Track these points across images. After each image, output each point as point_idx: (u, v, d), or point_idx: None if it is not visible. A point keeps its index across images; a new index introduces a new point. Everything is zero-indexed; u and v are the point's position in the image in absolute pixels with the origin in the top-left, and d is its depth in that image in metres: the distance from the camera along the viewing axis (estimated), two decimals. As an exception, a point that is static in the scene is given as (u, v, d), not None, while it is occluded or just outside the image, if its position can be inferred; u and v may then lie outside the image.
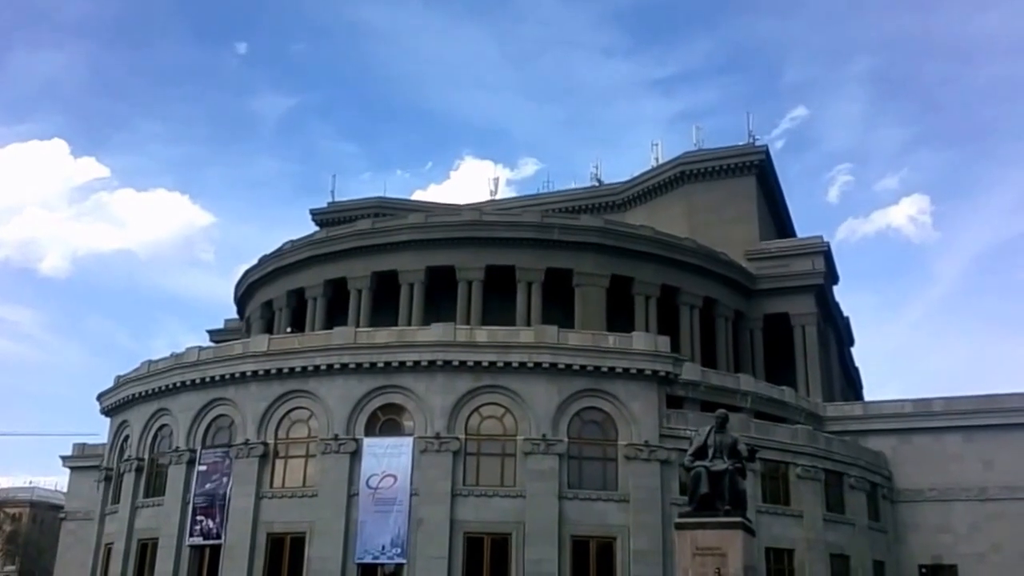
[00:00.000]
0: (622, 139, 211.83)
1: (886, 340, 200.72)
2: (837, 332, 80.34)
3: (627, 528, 46.08)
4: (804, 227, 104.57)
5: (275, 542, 47.76)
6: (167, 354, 55.88)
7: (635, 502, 46.49)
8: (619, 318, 60.99)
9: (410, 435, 47.28)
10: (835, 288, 78.35)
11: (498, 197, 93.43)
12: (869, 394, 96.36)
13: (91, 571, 56.51)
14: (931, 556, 57.98)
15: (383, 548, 45.69)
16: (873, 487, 56.82)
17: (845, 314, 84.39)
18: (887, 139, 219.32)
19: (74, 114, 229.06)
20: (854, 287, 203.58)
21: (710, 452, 29.63)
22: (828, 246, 72.77)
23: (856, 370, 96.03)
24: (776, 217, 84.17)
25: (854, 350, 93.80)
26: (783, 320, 69.91)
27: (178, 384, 52.64)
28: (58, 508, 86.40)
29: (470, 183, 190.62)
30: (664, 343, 50.66)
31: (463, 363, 47.63)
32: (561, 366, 47.70)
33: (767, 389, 60.13)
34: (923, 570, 58.08)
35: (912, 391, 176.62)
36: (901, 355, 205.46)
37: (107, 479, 58.42)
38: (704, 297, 66.81)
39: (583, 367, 47.89)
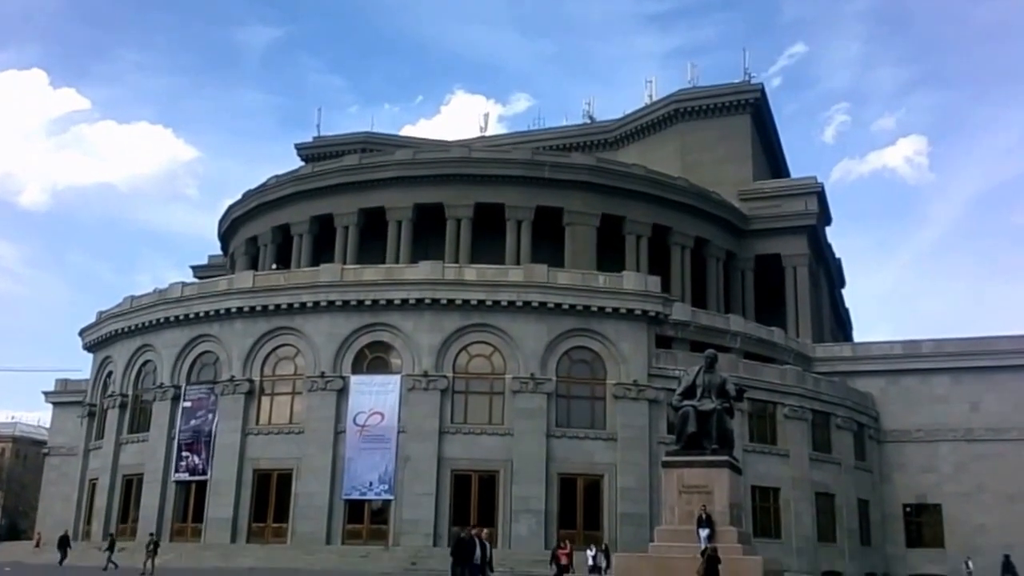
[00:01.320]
0: (616, 76, 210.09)
1: (878, 282, 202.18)
2: (828, 273, 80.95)
3: (614, 466, 46.92)
4: (799, 167, 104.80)
5: (262, 478, 48.44)
6: (150, 290, 56.00)
7: (622, 441, 47.25)
8: (609, 257, 61.22)
9: (398, 373, 47.74)
10: (828, 229, 78.80)
11: (488, 133, 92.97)
12: (859, 336, 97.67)
13: (76, 505, 57.24)
14: (915, 495, 59.32)
15: (370, 484, 46.44)
16: (860, 427, 57.84)
17: (837, 255, 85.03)
18: (885, 78, 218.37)
19: (53, 43, 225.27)
20: (847, 228, 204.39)
21: (698, 392, 30.06)
22: (822, 187, 72.94)
23: (846, 312, 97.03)
24: (770, 157, 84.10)
25: (845, 292, 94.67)
26: (775, 261, 70.32)
27: (162, 320, 52.81)
28: (41, 443, 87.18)
29: (461, 118, 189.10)
30: (654, 283, 50.98)
31: (451, 301, 47.92)
32: (550, 305, 48.05)
33: (756, 330, 60.72)
34: (907, 509, 59.49)
35: (902, 333, 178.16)
36: (892, 297, 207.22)
37: (91, 415, 58.86)
38: (696, 237, 67.07)
39: (572, 306, 48.27)
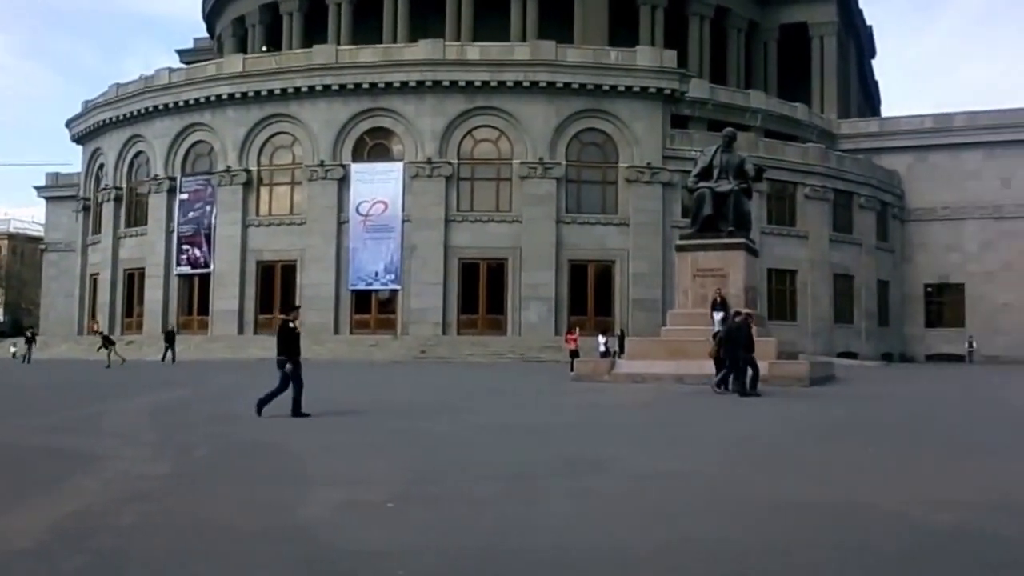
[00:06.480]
0: None
1: (913, 52, 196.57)
2: (858, 43, 78.62)
3: (626, 251, 47.69)
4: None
5: (265, 270, 49.58)
6: (137, 77, 55.15)
7: (635, 225, 47.76)
8: (622, 32, 59.35)
9: (400, 160, 47.76)
10: (860, -7, 75.72)
11: None
12: (888, 111, 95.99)
13: (78, 301, 58.83)
14: (938, 275, 60.19)
15: (376, 275, 47.49)
16: (884, 206, 58.07)
17: (868, 23, 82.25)
18: None
19: None
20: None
21: (715, 172, 29.89)
22: (855, -55, 69.68)
23: (875, 84, 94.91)
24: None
25: (875, 63, 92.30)
26: (800, 31, 68.08)
27: (150, 109, 52.40)
28: (37, 240, 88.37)
29: None
30: (670, 58, 49.92)
31: (454, 83, 47.21)
32: (559, 85, 47.33)
33: (779, 106, 59.87)
34: (929, 289, 60.60)
35: (935, 108, 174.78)
36: (928, 69, 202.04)
37: (85, 209, 59.48)
38: (716, 6, 64.75)
39: (583, 85, 47.54)
